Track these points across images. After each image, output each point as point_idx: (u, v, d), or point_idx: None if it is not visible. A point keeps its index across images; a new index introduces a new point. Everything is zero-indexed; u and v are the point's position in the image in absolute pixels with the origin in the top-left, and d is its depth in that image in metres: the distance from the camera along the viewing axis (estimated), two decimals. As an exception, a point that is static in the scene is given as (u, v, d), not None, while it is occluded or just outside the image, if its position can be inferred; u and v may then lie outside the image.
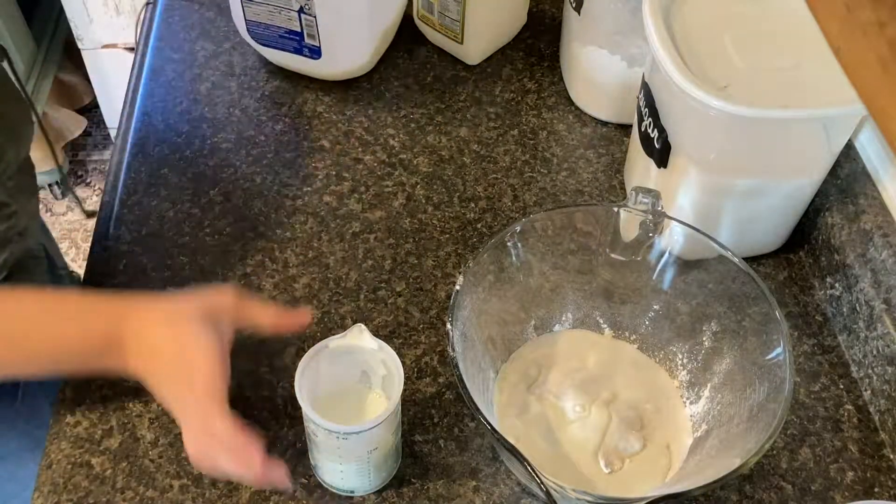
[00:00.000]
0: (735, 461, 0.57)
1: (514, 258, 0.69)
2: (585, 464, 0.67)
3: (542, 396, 0.71)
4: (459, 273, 0.63)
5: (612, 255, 0.71)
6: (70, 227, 1.99)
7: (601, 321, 0.75)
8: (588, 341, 0.75)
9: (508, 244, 0.68)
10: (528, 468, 0.54)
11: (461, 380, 0.59)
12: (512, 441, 0.58)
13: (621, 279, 0.73)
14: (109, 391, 0.72)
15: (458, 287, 0.63)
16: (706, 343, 0.71)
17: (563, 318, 0.75)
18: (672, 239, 0.70)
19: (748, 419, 0.63)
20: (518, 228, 0.68)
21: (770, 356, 0.64)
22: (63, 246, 1.95)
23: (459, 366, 0.60)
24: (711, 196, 0.77)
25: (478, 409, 0.58)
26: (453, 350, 0.60)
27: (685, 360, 0.72)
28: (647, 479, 0.67)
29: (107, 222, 0.83)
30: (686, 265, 0.71)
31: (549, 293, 0.74)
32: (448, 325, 0.62)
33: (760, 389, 0.63)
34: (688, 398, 0.71)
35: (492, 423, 0.57)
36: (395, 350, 0.75)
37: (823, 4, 0.32)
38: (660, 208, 0.68)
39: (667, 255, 0.71)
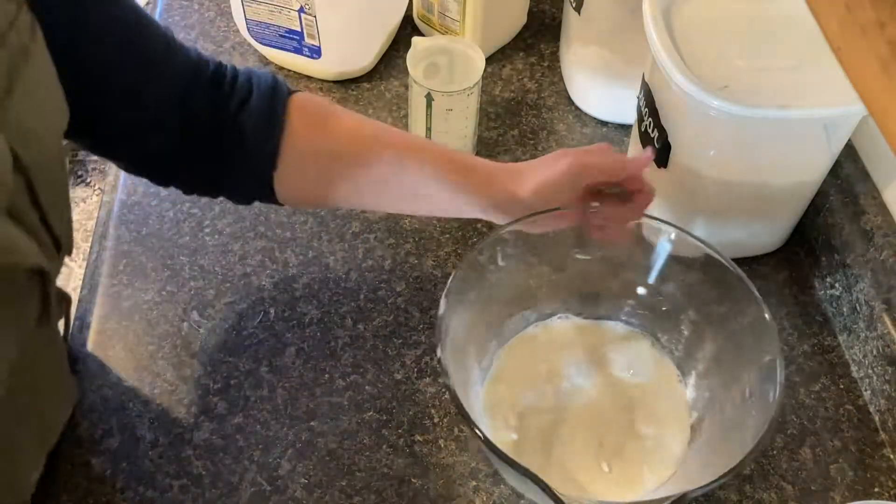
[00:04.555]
0: (735, 458, 0.57)
1: (493, 269, 0.69)
2: (586, 466, 0.67)
3: (533, 400, 0.70)
4: (442, 296, 0.62)
5: (578, 256, 0.71)
6: (70, 227, 1.99)
7: (617, 320, 0.75)
8: (576, 333, 0.75)
9: (482, 258, 0.67)
10: (543, 489, 0.53)
11: (466, 415, 0.58)
12: (508, 449, 0.58)
13: (608, 275, 0.73)
14: (109, 391, 0.72)
15: (441, 311, 0.62)
16: (688, 332, 0.71)
17: (545, 320, 0.75)
18: (656, 236, 0.70)
19: (742, 406, 0.64)
20: (491, 240, 0.67)
21: (758, 345, 0.64)
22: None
23: (458, 395, 0.58)
24: (711, 196, 0.77)
25: (494, 448, 0.56)
26: (450, 380, 0.59)
27: (672, 350, 0.73)
28: (650, 474, 0.67)
29: (107, 222, 0.84)
30: (672, 260, 0.71)
31: (530, 298, 0.73)
32: (438, 351, 0.60)
33: (749, 376, 0.64)
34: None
35: (510, 456, 0.55)
36: (395, 350, 0.75)
37: (823, 4, 0.32)
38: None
39: (654, 252, 0.71)
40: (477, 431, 0.57)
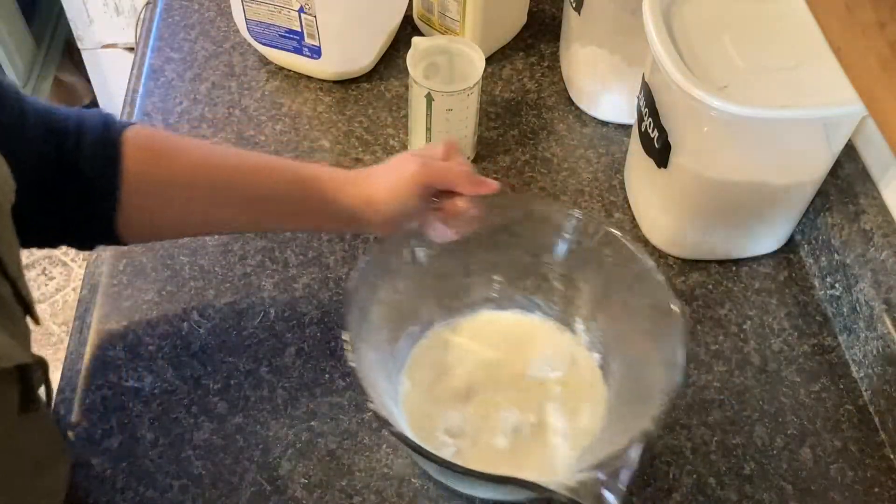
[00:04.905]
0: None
1: (372, 298, 0.67)
2: (536, 445, 0.68)
3: (452, 410, 0.69)
4: (346, 345, 0.61)
5: (418, 251, 0.72)
6: (70, 227, 1.99)
7: (491, 301, 0.76)
8: (482, 322, 0.75)
9: (362, 290, 0.66)
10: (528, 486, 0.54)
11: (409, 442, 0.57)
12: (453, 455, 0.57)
13: (461, 264, 0.74)
14: (109, 391, 0.72)
15: (352, 364, 0.60)
16: (559, 284, 0.73)
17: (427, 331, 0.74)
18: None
19: (644, 333, 0.67)
20: (356, 276, 0.66)
21: (634, 271, 0.67)
22: (63, 246, 1.95)
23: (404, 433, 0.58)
24: (711, 196, 0.77)
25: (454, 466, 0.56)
26: (394, 427, 0.58)
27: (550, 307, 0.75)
28: (588, 421, 0.68)
29: (107, 222, 0.83)
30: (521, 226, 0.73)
31: (410, 313, 0.73)
32: (371, 406, 0.58)
33: (640, 301, 0.67)
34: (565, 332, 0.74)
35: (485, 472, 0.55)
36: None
37: (823, 4, 0.32)
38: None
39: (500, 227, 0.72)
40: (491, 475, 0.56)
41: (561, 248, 0.72)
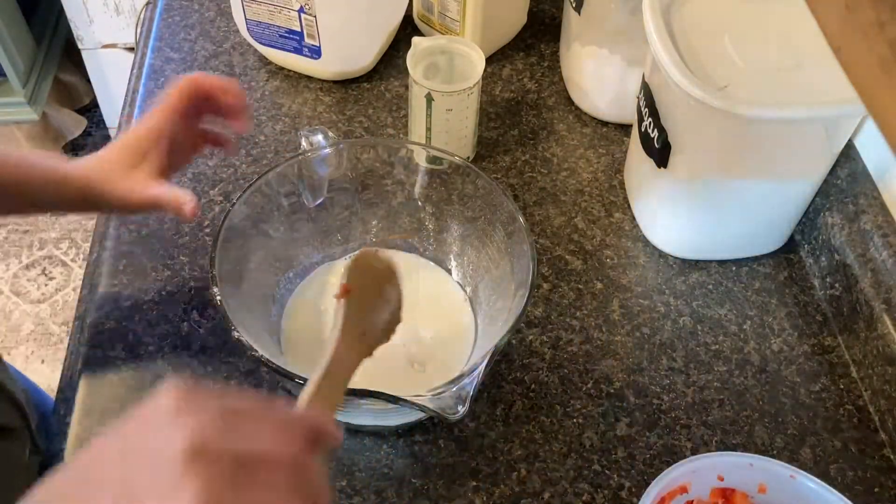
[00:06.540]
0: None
1: (237, 249, 0.70)
2: (403, 372, 0.70)
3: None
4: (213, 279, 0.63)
5: (311, 206, 0.74)
6: (70, 227, 1.99)
7: (369, 245, 0.79)
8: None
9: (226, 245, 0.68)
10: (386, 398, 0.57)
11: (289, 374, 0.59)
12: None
13: (343, 210, 0.77)
14: (109, 391, 0.72)
15: (217, 298, 0.62)
16: (432, 225, 0.77)
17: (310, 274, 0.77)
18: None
19: (502, 258, 0.70)
20: (224, 228, 0.67)
21: (492, 204, 0.71)
22: (63, 246, 1.95)
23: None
24: (711, 196, 0.77)
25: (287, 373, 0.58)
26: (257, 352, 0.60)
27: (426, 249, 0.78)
28: (458, 350, 0.71)
29: (107, 222, 0.83)
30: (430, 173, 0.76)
31: (288, 259, 0.75)
32: (235, 335, 0.60)
33: (497, 230, 0.71)
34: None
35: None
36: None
37: (823, 4, 0.32)
38: (332, 137, 0.73)
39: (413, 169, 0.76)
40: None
41: (418, 182, 0.76)
